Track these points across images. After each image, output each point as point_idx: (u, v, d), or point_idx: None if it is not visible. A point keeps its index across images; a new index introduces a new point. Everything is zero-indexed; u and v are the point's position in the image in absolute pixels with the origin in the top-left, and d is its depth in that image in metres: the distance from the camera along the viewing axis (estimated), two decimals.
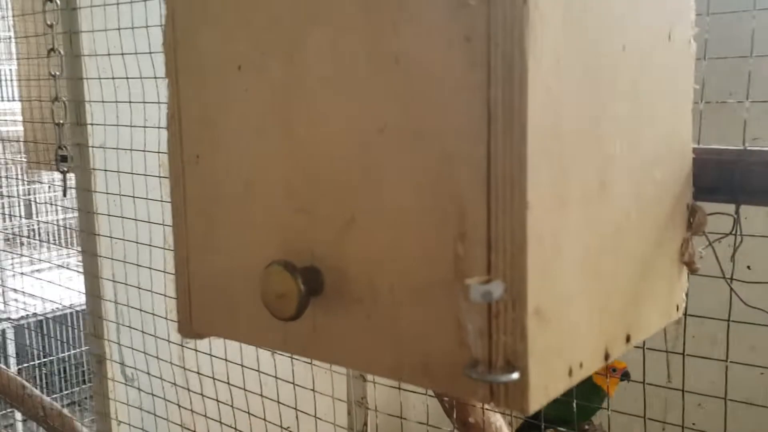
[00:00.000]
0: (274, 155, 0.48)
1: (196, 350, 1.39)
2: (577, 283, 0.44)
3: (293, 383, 1.27)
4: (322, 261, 0.47)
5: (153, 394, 1.50)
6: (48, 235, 3.26)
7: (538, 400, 0.40)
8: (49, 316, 2.74)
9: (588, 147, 0.44)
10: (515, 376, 0.39)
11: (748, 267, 0.93)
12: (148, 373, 1.51)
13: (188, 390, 1.42)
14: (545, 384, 0.41)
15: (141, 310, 1.48)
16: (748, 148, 0.59)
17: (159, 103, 1.26)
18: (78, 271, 1.74)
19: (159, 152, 1.32)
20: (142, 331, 1.49)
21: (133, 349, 1.54)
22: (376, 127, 0.43)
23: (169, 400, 1.48)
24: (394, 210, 0.43)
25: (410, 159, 0.42)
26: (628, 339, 0.52)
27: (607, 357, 0.49)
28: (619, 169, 0.48)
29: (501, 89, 0.38)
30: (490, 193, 0.39)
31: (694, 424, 0.85)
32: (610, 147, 0.47)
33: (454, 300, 0.41)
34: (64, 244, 3.12)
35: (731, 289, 0.63)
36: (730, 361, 0.67)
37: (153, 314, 1.47)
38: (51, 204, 3.07)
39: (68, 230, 2.99)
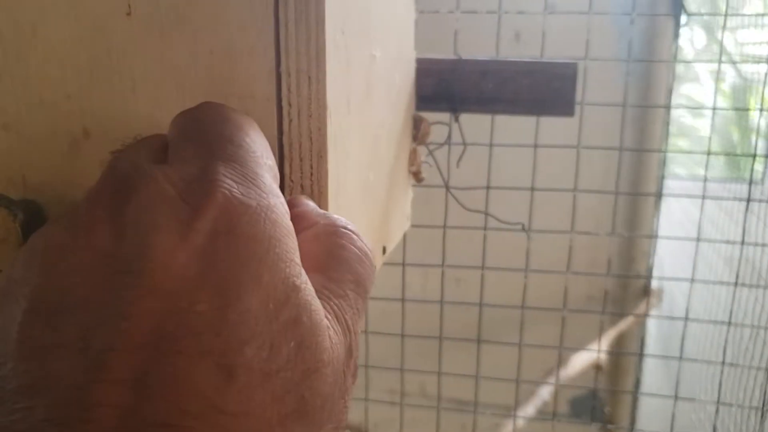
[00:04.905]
0: None
1: None
2: (357, 196, 0.41)
3: None
4: (39, 192, 0.36)
5: None
6: None
7: None
8: None
9: (362, 44, 0.40)
10: None
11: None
12: None
13: None
14: None
15: None
16: (463, 58, 0.61)
17: None
18: None
19: None
20: None
21: None
22: (118, 8, 0.33)
23: None
24: (147, 118, 0.34)
25: (171, 52, 0.33)
26: (384, 251, 0.50)
27: None
28: (377, 71, 0.45)
29: None
30: (281, 91, 0.33)
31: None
32: (375, 47, 0.43)
33: None
34: None
35: (454, 197, 0.66)
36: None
37: None
38: None
39: None
